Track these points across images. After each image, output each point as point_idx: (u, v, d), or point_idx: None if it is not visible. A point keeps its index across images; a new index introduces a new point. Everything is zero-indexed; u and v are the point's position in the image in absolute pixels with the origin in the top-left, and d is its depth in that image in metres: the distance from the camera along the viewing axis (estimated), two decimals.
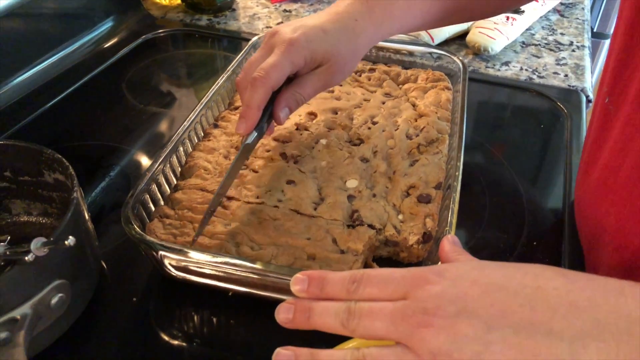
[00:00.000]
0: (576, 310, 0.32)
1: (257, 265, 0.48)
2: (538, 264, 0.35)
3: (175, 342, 0.52)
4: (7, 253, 0.43)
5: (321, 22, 0.58)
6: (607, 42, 1.77)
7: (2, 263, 0.48)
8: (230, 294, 0.55)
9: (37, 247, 0.41)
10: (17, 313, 0.43)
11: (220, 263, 0.49)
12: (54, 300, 0.46)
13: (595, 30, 1.71)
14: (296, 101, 0.58)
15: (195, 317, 0.55)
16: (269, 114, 0.58)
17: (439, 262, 0.44)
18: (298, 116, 0.71)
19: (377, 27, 0.61)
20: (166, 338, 0.53)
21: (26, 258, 0.41)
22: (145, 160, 0.75)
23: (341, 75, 0.61)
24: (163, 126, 0.83)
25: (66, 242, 0.40)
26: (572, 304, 0.32)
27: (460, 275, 0.35)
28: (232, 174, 0.57)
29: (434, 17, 0.65)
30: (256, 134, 0.57)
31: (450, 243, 0.43)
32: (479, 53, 0.96)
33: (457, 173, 0.58)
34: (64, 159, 0.53)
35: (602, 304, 0.32)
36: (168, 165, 0.62)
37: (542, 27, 1.07)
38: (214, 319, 0.55)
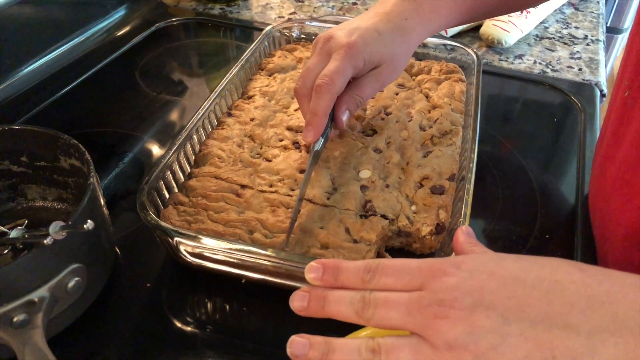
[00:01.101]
0: (594, 305, 0.32)
1: (272, 253, 0.48)
2: (555, 258, 0.35)
3: (188, 328, 0.53)
4: (26, 236, 0.43)
5: (374, 24, 0.59)
6: (620, 36, 1.76)
7: (21, 246, 0.48)
8: (243, 281, 0.55)
9: (55, 230, 0.41)
10: (34, 296, 0.43)
11: (236, 250, 0.49)
12: (71, 284, 0.46)
13: (608, 25, 1.70)
14: (356, 104, 0.59)
15: (208, 304, 0.55)
16: (329, 118, 0.58)
17: (453, 254, 0.44)
18: None
19: (426, 25, 0.62)
20: (179, 324, 0.53)
21: (45, 241, 0.41)
22: (157, 148, 0.75)
23: (396, 74, 0.62)
24: (175, 115, 0.83)
25: (85, 226, 0.41)
26: (590, 298, 0.32)
27: (477, 267, 0.35)
28: (307, 182, 0.57)
29: (477, 12, 0.66)
30: (323, 139, 0.58)
31: (464, 234, 0.43)
32: (493, 46, 0.95)
33: (471, 165, 0.58)
34: (80, 145, 0.53)
35: (621, 299, 0.32)
36: (182, 153, 0.62)
37: (557, 21, 1.06)
38: (227, 306, 0.55)
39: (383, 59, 0.58)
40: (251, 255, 0.49)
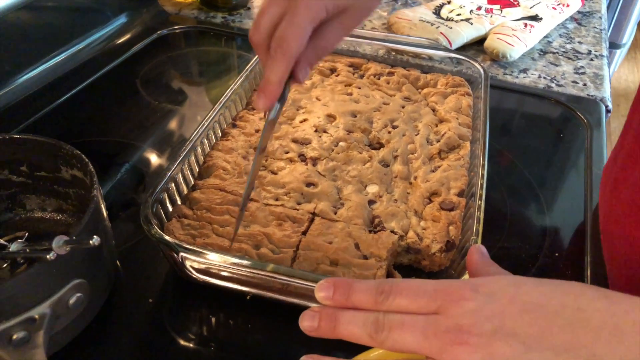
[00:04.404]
0: (620, 335, 0.31)
1: (282, 271, 0.47)
2: (577, 282, 0.34)
3: (191, 345, 0.51)
4: (27, 250, 0.42)
5: None
6: (619, 51, 1.77)
7: (21, 261, 0.47)
8: (248, 297, 0.53)
9: (59, 245, 0.40)
10: (35, 312, 0.42)
11: (244, 267, 0.47)
12: (72, 300, 0.44)
13: None
14: (317, 55, 0.52)
15: (212, 320, 0.54)
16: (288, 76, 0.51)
17: (465, 272, 0.43)
18: (317, 118, 0.70)
19: None
20: (181, 341, 0.52)
21: (47, 257, 0.39)
22: (157, 158, 0.74)
23: (366, 16, 0.53)
24: (175, 124, 0.82)
25: (91, 242, 0.39)
26: (616, 328, 0.31)
27: (497, 292, 0.34)
28: (262, 149, 0.53)
29: None
30: (279, 105, 0.52)
31: (478, 253, 0.42)
32: (497, 59, 0.95)
33: (481, 181, 0.57)
34: (83, 156, 0.52)
35: None
36: (186, 165, 0.61)
37: (560, 35, 1.06)
38: (231, 322, 0.54)
39: (350, 1, 0.49)
40: (259, 273, 0.48)
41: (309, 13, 0.47)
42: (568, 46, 1.03)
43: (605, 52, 1.01)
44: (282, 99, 0.51)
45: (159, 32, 1.02)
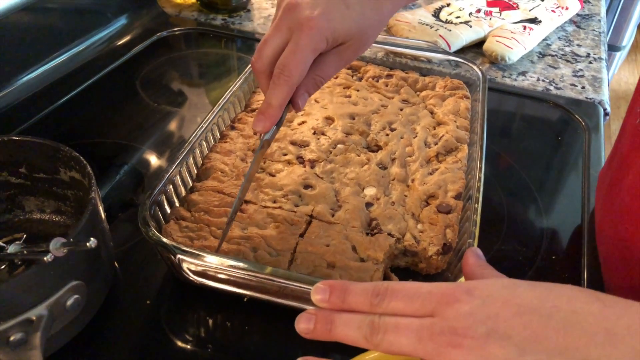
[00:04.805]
0: (614, 338, 0.31)
1: (279, 274, 0.47)
2: (571, 285, 0.34)
3: (188, 347, 0.52)
4: (25, 252, 0.42)
5: None
6: (618, 54, 1.77)
7: (19, 262, 0.47)
8: (245, 299, 0.54)
9: (56, 247, 0.40)
10: (32, 314, 0.42)
11: (241, 269, 0.48)
12: (70, 302, 0.45)
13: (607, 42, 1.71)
14: (316, 85, 0.54)
15: (209, 322, 0.54)
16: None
17: (462, 275, 0.44)
18: (315, 120, 0.70)
19: None
20: (179, 343, 0.52)
21: (45, 258, 0.40)
22: (156, 160, 0.74)
23: (364, 48, 0.56)
24: (174, 126, 0.82)
25: (87, 244, 0.39)
26: (610, 331, 0.31)
27: (491, 295, 0.34)
28: (254, 168, 0.55)
29: None
30: (275, 127, 0.54)
31: (474, 256, 0.42)
32: (496, 62, 0.95)
33: (478, 184, 0.58)
34: (81, 158, 0.52)
35: None
36: (184, 166, 0.61)
37: (559, 38, 1.06)
38: (228, 324, 0.54)
39: (349, 35, 0.52)
40: (257, 276, 0.48)
41: (311, 44, 0.50)
42: (567, 49, 1.03)
43: (604, 55, 1.02)
44: (279, 122, 0.53)
45: (159, 33, 1.02)
